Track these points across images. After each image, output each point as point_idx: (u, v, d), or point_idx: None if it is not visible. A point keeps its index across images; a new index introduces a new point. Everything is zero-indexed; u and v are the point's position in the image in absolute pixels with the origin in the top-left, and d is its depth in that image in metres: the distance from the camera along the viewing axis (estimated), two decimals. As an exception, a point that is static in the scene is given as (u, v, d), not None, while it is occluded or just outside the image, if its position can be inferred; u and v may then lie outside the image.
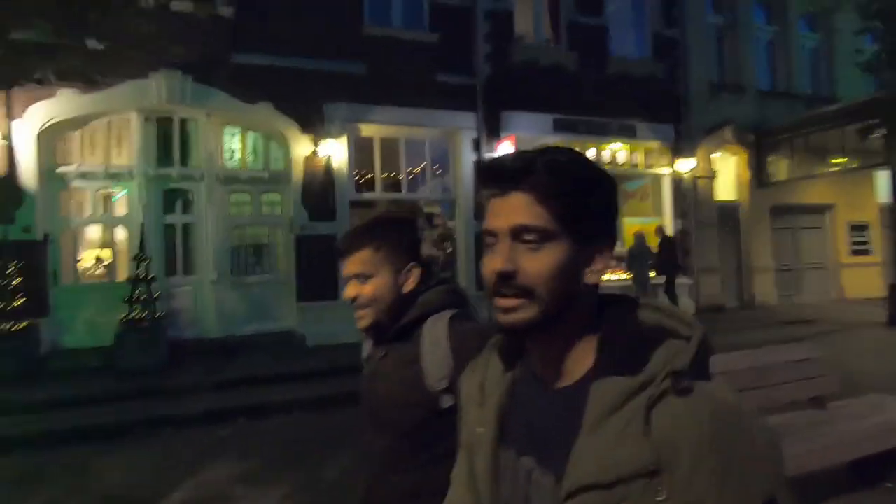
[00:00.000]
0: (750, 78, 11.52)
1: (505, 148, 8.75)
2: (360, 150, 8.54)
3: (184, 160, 7.66)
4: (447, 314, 1.23)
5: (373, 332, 1.28)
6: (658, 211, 10.89)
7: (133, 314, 6.59)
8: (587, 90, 9.57)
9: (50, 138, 6.99)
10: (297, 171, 7.96)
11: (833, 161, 11.82)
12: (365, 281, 1.22)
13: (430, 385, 1.17)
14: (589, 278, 0.69)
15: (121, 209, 7.66)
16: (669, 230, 10.25)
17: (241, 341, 7.46)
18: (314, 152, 7.96)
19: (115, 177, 7.36)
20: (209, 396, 5.67)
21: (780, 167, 11.45)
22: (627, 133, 10.09)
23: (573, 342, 0.70)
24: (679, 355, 0.64)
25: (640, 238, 9.33)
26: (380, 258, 1.23)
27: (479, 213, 0.91)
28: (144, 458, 4.29)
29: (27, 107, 6.74)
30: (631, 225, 11.17)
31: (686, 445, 0.59)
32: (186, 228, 7.73)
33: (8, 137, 6.68)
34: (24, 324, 6.34)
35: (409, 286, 1.26)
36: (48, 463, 4.21)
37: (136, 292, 6.66)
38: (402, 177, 8.88)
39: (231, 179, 7.90)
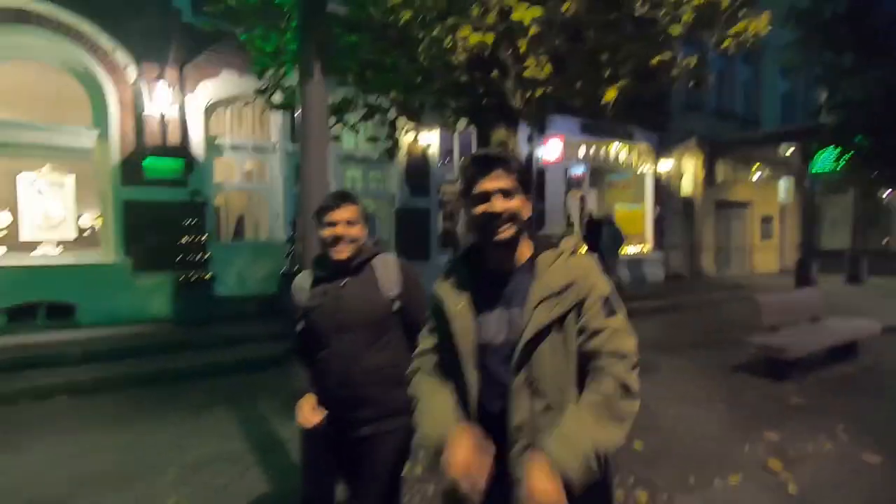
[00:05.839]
0: (706, 100, 14.81)
1: (555, 144, 10.98)
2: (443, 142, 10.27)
3: (311, 139, 8.90)
4: (389, 254, 1.94)
5: (342, 265, 1.82)
6: (639, 199, 13.90)
7: (295, 268, 7.97)
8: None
9: (209, 113, 7.94)
10: (402, 155, 9.51)
11: (753, 169, 15.77)
12: (353, 226, 1.81)
13: (386, 294, 1.84)
14: (526, 213, 1.35)
15: (263, 179, 8.76)
16: (602, 214, 13.16)
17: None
18: (416, 139, 9.57)
19: (259, 150, 8.45)
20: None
21: (721, 171, 14.99)
22: (627, 136, 12.84)
23: (519, 245, 1.37)
24: (570, 242, 1.41)
25: (603, 222, 10.40)
26: (361, 212, 1.87)
27: (467, 184, 1.44)
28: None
29: (197, 83, 7.66)
30: (618, 210, 14.12)
31: (582, 268, 1.34)
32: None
33: (182, 110, 7.57)
34: (209, 274, 7.47)
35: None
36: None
37: (293, 249, 8.02)
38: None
39: (347, 158, 9.29)
